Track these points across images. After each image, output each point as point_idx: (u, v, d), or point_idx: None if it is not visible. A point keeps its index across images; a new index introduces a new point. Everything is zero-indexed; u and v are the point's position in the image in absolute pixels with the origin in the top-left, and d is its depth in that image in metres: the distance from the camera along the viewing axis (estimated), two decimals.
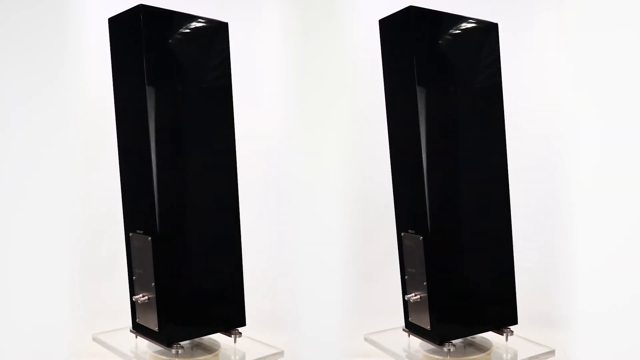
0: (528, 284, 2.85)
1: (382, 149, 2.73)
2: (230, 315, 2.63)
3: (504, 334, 2.63)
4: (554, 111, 3.06)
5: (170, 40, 2.50)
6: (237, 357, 2.64)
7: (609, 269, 2.72)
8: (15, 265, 2.85)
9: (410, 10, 2.49)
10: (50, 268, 2.86)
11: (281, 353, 2.61)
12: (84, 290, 2.98)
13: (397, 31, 2.57)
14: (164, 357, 2.58)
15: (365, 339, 2.77)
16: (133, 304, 2.59)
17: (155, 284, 2.48)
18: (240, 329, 2.66)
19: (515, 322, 2.64)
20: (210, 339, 2.69)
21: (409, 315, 2.66)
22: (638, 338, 2.70)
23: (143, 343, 2.64)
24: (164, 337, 2.49)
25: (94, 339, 2.71)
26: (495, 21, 2.64)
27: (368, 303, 3.04)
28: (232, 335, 2.61)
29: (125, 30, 2.49)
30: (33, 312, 2.83)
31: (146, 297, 2.52)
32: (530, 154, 3.09)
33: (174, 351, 2.51)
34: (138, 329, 2.61)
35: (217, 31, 2.58)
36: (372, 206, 3.11)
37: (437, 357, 2.59)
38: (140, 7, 2.40)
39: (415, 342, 2.68)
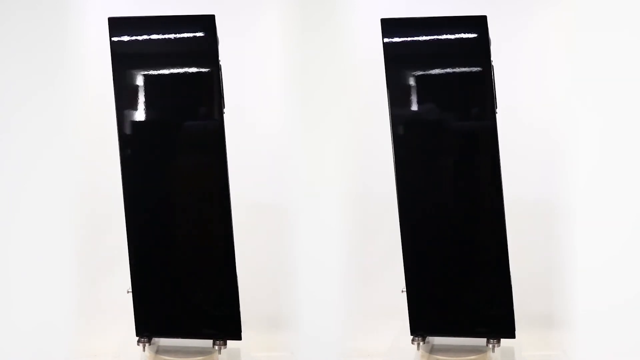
0: (528, 283, 2.85)
1: (383, 149, 2.73)
2: (221, 323, 2.62)
3: (490, 344, 2.61)
4: (555, 109, 3.05)
5: (145, 46, 2.58)
6: None
7: (609, 268, 2.72)
8: (15, 265, 2.85)
9: (381, 22, 2.59)
10: (51, 268, 2.86)
11: None
12: (84, 290, 2.98)
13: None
14: (165, 357, 2.59)
15: None
16: None
17: (130, 278, 2.58)
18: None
19: (511, 334, 2.62)
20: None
21: None
22: (638, 338, 2.70)
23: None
24: (136, 326, 2.59)
25: None
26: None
27: (369, 303, 3.04)
28: (216, 346, 2.60)
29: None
30: (33, 311, 2.82)
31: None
32: (530, 152, 3.08)
33: (140, 344, 2.59)
34: None
35: (201, 26, 2.58)
36: (373, 206, 3.10)
37: (427, 354, 2.62)
38: (109, 20, 2.58)
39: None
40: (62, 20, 2.91)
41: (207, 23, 2.55)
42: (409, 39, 2.63)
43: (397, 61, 2.62)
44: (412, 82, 2.64)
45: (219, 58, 2.59)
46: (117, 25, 2.58)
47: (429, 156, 2.63)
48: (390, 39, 2.61)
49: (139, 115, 2.61)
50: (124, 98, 2.60)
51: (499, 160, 2.58)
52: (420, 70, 2.63)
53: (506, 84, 2.75)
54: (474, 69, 2.59)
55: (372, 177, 3.02)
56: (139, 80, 2.60)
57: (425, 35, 2.62)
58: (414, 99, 2.65)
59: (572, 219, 2.84)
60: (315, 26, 2.95)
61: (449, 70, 2.61)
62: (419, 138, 2.63)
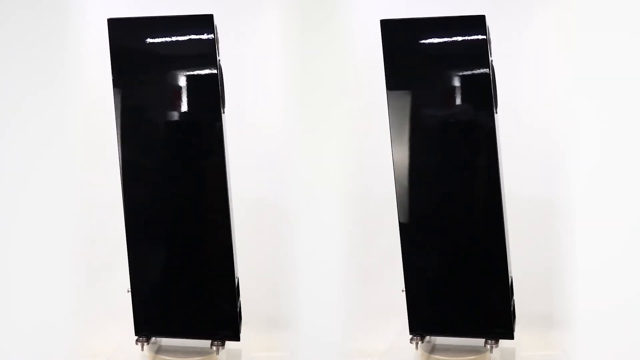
0: (528, 283, 2.85)
1: (383, 149, 2.73)
2: (219, 323, 2.62)
3: (487, 345, 2.62)
4: (555, 109, 3.05)
5: (144, 46, 2.59)
6: None
7: (609, 268, 2.72)
8: (15, 265, 2.85)
9: (381, 23, 2.61)
10: (51, 268, 2.86)
11: None
12: (84, 290, 2.98)
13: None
14: (163, 357, 2.59)
15: None
16: None
17: (129, 277, 2.60)
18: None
19: (509, 336, 2.62)
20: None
21: None
22: (638, 338, 2.70)
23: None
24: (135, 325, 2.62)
25: None
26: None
27: (369, 303, 3.04)
28: (214, 347, 2.60)
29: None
30: (33, 311, 2.82)
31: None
32: (530, 152, 3.08)
33: (139, 344, 2.60)
34: None
35: (200, 26, 2.58)
36: (373, 206, 3.10)
37: (426, 353, 2.64)
38: (108, 21, 2.58)
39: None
40: (62, 21, 2.92)
41: (205, 23, 2.55)
42: (408, 40, 2.64)
43: (396, 62, 2.63)
44: (412, 82, 2.65)
45: (219, 58, 2.59)
46: (116, 26, 2.58)
47: (427, 156, 2.64)
48: (389, 40, 2.62)
49: (138, 115, 2.61)
50: (124, 99, 2.60)
51: (497, 160, 2.58)
52: (420, 71, 2.64)
53: (506, 84, 2.75)
54: (473, 69, 2.59)
55: (372, 177, 3.02)
56: (139, 81, 2.60)
57: (424, 37, 2.63)
58: (413, 99, 2.65)
59: (572, 219, 2.84)
60: (315, 26, 2.95)
61: (447, 70, 2.62)
62: (417, 138, 2.64)
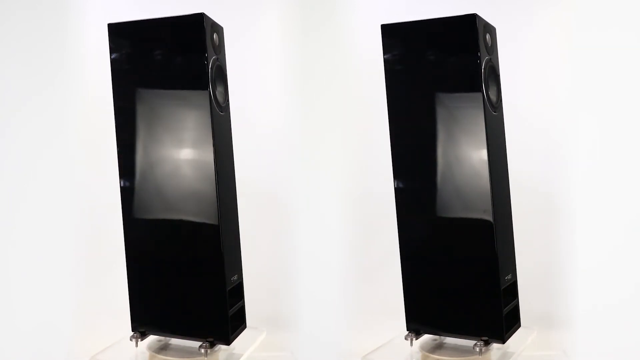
0: (528, 283, 2.85)
1: (384, 150, 2.73)
2: (209, 326, 2.61)
3: (476, 347, 2.61)
4: (555, 109, 3.06)
5: (141, 49, 2.60)
6: None
7: (609, 268, 2.72)
8: (15, 265, 2.85)
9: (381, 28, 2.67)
10: (51, 268, 2.86)
11: None
12: (84, 290, 2.98)
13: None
14: (164, 357, 2.59)
15: None
16: None
17: (126, 273, 2.64)
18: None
19: (500, 339, 2.63)
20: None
21: None
22: (638, 338, 2.70)
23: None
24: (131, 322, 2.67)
25: None
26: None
27: (369, 303, 3.04)
28: (202, 349, 2.59)
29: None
30: (33, 311, 2.83)
31: None
32: (530, 152, 3.08)
33: (133, 340, 2.64)
34: None
35: (189, 26, 2.57)
36: (373, 206, 3.10)
37: (425, 352, 2.66)
38: (108, 26, 2.63)
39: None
40: (62, 21, 2.92)
41: (196, 22, 2.55)
42: (407, 42, 2.66)
43: (396, 64, 2.65)
44: (411, 83, 2.65)
45: (216, 56, 2.59)
46: (115, 30, 2.61)
47: (426, 156, 2.64)
48: (389, 44, 2.66)
49: (138, 117, 2.61)
50: (123, 100, 2.60)
51: (488, 161, 2.58)
52: (419, 72, 2.64)
53: (506, 84, 2.75)
54: (469, 68, 2.60)
55: (372, 177, 3.03)
56: (138, 83, 2.60)
57: (422, 38, 2.64)
58: (413, 100, 2.66)
59: (572, 219, 2.84)
60: (315, 26, 2.96)
61: (445, 70, 2.62)
62: (416, 139, 2.65)
